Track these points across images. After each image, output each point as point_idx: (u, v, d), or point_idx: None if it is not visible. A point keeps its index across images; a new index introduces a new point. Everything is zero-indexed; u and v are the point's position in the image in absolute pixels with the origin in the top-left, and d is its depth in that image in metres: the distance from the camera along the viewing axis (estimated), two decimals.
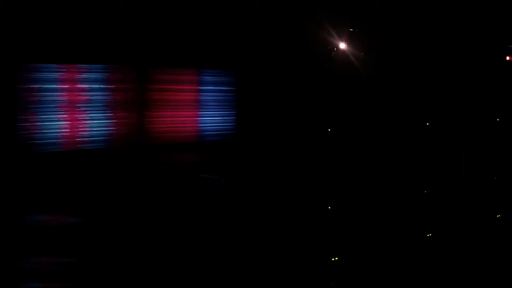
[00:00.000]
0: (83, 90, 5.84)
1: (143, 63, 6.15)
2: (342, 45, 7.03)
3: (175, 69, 6.47)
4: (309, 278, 6.46)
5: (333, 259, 6.74)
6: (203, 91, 6.75)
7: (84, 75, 5.85)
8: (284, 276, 6.32)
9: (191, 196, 6.43)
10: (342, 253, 6.81)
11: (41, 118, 5.74)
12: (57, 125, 5.77)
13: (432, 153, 7.66)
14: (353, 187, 7.10)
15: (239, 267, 6.22)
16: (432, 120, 7.68)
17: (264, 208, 6.78)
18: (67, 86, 5.80)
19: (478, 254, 7.43)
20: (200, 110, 6.71)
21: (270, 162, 7.02)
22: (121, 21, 5.89)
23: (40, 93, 5.70)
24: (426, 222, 7.50)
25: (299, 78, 7.00)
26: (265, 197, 6.84)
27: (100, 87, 5.93)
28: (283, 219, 6.76)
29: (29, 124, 5.70)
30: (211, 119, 6.74)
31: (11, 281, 5.27)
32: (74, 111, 5.78)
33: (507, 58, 8.12)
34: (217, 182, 6.95)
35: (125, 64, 6.05)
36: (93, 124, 5.88)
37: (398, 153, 7.39)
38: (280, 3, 6.82)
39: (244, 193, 6.83)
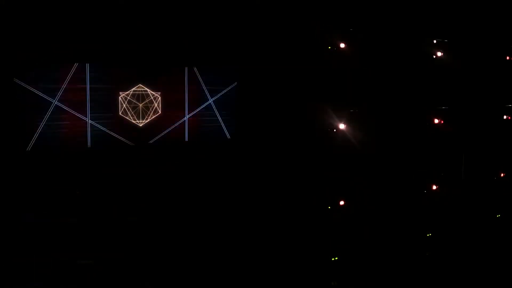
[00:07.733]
0: None
1: None
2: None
3: None
4: (309, 278, 6.44)
5: (333, 259, 6.73)
6: None
7: None
8: (285, 275, 6.31)
9: None
10: (342, 253, 6.80)
11: None
12: None
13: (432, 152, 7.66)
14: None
15: (241, 267, 6.22)
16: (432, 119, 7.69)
17: (265, 208, 6.78)
18: None
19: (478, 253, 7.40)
20: None
21: (270, 161, 7.03)
22: None
23: None
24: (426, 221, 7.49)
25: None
26: (265, 197, 6.85)
27: None
28: (284, 219, 6.76)
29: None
30: None
31: None
32: None
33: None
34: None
35: None
36: None
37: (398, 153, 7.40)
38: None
39: (245, 193, 6.84)
